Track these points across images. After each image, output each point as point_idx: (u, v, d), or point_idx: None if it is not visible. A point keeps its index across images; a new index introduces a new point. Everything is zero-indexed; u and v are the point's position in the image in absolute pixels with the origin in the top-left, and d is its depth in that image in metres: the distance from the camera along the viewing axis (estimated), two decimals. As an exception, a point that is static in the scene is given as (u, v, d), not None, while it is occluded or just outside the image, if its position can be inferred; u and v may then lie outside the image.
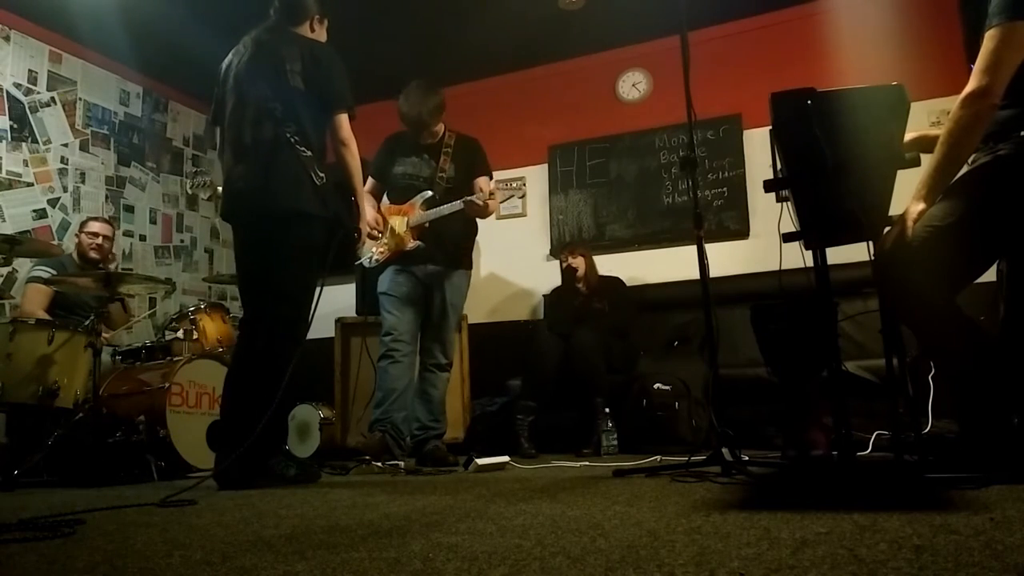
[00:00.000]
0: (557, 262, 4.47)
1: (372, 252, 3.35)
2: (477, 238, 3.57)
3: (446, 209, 3.23)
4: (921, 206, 1.80)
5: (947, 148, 1.78)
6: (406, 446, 3.23)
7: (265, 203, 2.48)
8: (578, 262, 4.06)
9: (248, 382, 2.46)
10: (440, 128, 3.42)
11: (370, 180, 3.50)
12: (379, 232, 3.30)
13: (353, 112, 2.62)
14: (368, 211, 3.35)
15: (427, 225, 3.26)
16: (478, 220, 3.44)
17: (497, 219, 5.01)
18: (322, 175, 2.53)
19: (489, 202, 3.23)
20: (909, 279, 1.81)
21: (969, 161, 1.91)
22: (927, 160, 1.89)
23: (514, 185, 3.28)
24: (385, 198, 3.48)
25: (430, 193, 3.29)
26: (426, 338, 3.32)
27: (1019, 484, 1.56)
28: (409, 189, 3.33)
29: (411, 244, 3.25)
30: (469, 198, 3.19)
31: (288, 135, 2.49)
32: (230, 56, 2.70)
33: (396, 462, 3.04)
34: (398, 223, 3.31)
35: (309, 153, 2.52)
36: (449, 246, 3.31)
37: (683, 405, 3.58)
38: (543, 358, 3.75)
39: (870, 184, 1.81)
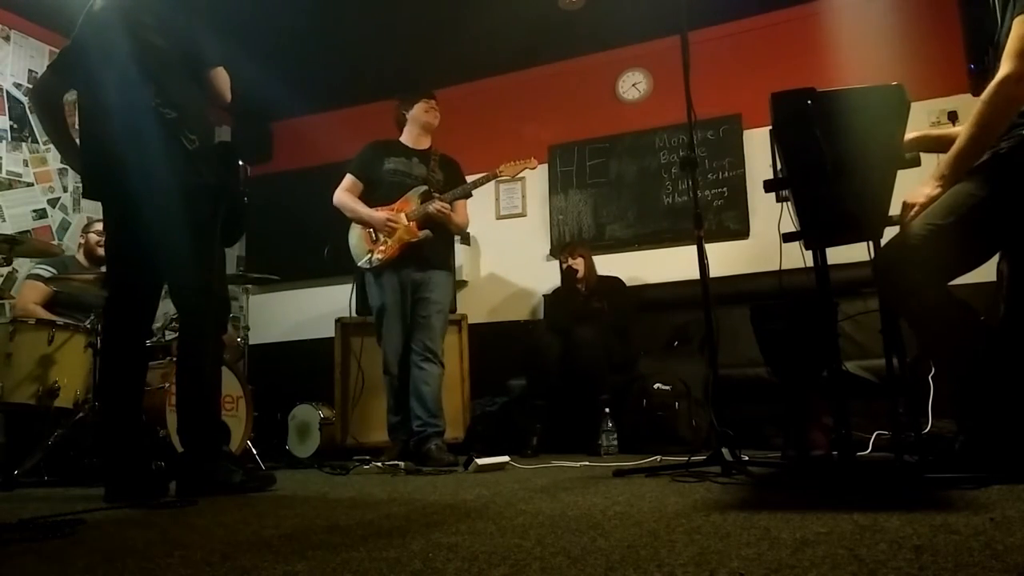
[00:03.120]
0: (557, 262, 4.47)
1: (371, 253, 3.34)
2: (477, 238, 3.59)
3: (454, 196, 3.35)
4: (936, 191, 1.80)
5: (977, 130, 1.76)
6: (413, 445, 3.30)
7: (131, 177, 2.20)
8: (578, 263, 4.07)
9: (180, 381, 2.29)
10: (429, 140, 3.52)
11: (349, 177, 3.49)
12: (394, 224, 3.32)
13: (221, 64, 2.36)
14: (364, 209, 3.37)
15: (428, 218, 3.30)
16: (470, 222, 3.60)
17: (497, 219, 5.02)
18: (193, 137, 2.25)
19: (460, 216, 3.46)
20: (908, 278, 1.81)
21: None
22: (929, 156, 1.89)
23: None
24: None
25: (425, 187, 3.32)
26: (412, 337, 3.34)
27: (1019, 484, 1.56)
28: (399, 186, 3.37)
29: (421, 234, 3.27)
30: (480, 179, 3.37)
31: (149, 98, 2.22)
32: (83, 15, 2.39)
33: (396, 462, 3.04)
34: (398, 219, 3.32)
35: (175, 115, 2.24)
36: (431, 251, 3.36)
37: (683, 405, 3.58)
38: (544, 356, 3.75)
39: (870, 184, 1.81)
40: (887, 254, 1.86)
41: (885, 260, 1.86)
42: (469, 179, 3.50)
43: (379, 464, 3.01)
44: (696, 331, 3.93)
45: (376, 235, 3.34)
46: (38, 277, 3.61)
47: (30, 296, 3.58)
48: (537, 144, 4.93)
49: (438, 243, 3.38)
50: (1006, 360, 1.83)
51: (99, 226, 3.85)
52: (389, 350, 3.31)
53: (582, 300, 4.02)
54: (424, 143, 3.49)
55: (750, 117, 4.50)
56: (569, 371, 3.69)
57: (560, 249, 4.51)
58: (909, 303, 1.85)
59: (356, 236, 3.41)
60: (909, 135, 2.01)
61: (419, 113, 3.46)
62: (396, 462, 3.04)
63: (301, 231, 5.24)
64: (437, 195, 3.32)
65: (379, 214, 3.35)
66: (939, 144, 2.08)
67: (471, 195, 3.47)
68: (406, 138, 3.51)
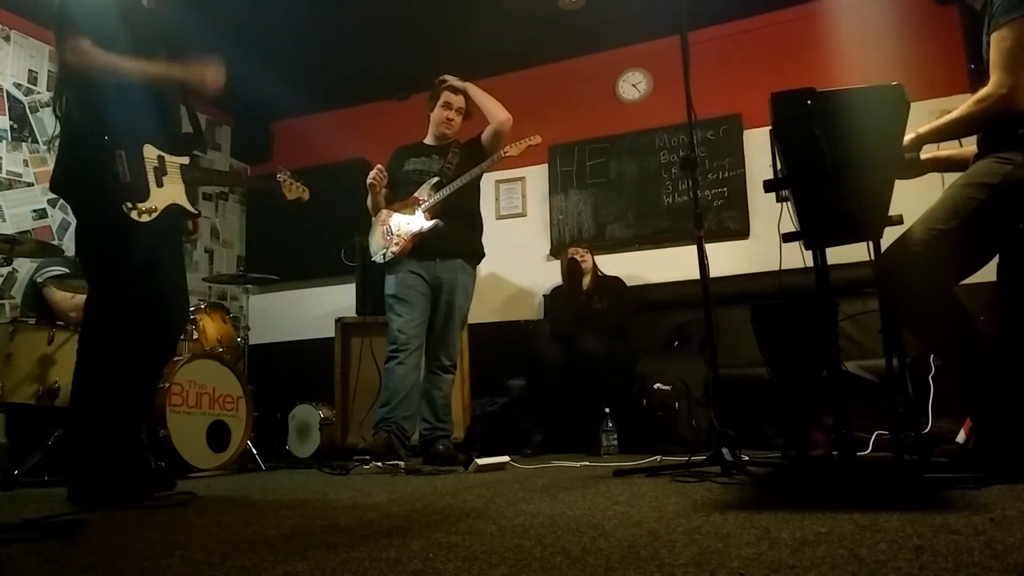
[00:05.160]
0: (557, 262, 4.46)
1: (386, 247, 3.34)
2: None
3: (463, 179, 3.28)
4: (910, 137, 1.95)
5: (959, 122, 1.88)
6: (410, 446, 3.25)
7: None
8: (588, 258, 4.08)
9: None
10: (452, 134, 3.48)
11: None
12: (382, 174, 3.34)
13: (77, 30, 2.08)
14: (378, 197, 3.40)
15: (439, 207, 3.27)
16: (483, 221, 3.53)
17: (497, 219, 5.02)
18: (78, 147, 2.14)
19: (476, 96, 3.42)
20: (911, 282, 1.81)
21: (970, 160, 1.93)
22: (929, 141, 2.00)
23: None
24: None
25: (436, 178, 3.32)
26: (431, 341, 3.33)
27: (1020, 484, 1.56)
28: (418, 183, 3.37)
29: (429, 223, 3.26)
30: (485, 163, 3.31)
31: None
32: None
33: (396, 462, 3.04)
34: (409, 213, 3.33)
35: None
36: (456, 240, 3.33)
37: (683, 405, 3.58)
38: (545, 364, 3.75)
39: (870, 184, 1.81)
40: (889, 259, 1.86)
41: (887, 265, 1.86)
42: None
43: (379, 464, 3.01)
44: (696, 331, 3.93)
45: (391, 231, 3.34)
46: (65, 276, 3.54)
47: (68, 296, 3.49)
48: (537, 144, 4.93)
49: (461, 230, 3.36)
50: (1007, 362, 1.83)
51: None
52: (400, 338, 3.23)
53: (584, 300, 4.02)
54: (446, 139, 3.47)
55: (750, 117, 4.50)
56: (571, 380, 3.69)
57: (561, 247, 4.51)
58: (911, 307, 1.86)
59: (375, 233, 3.42)
60: (924, 155, 2.05)
61: (435, 116, 3.46)
62: (396, 461, 3.04)
63: (301, 231, 5.24)
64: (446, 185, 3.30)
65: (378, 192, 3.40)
66: (950, 164, 2.11)
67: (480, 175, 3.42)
68: (428, 137, 3.51)
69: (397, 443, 3.15)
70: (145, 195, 2.14)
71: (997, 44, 1.78)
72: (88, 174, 2.09)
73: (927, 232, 1.80)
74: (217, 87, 2.30)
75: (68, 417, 2.20)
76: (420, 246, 3.28)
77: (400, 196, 3.40)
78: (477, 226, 3.49)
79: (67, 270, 3.57)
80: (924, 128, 1.95)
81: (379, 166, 3.38)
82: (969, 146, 2.03)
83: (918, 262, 1.79)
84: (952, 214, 1.80)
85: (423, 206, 3.29)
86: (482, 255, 3.49)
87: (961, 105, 1.88)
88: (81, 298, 3.35)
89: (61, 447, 2.84)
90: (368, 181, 3.35)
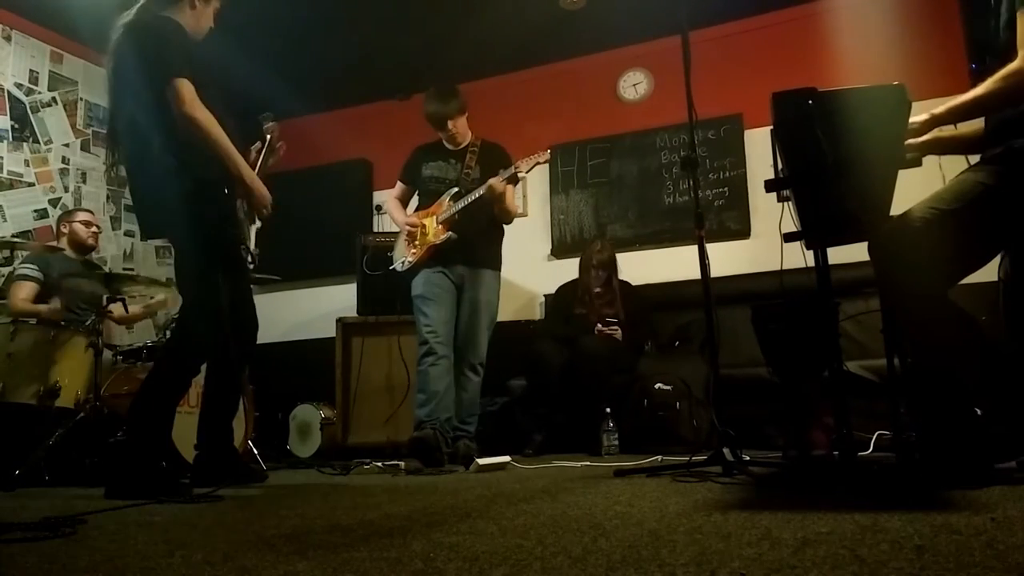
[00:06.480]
0: (558, 262, 4.46)
1: (404, 256, 3.37)
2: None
3: (473, 196, 3.26)
4: (923, 118, 1.85)
5: (981, 100, 1.78)
6: (451, 446, 3.23)
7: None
8: (605, 250, 4.07)
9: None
10: (468, 134, 3.47)
11: (399, 185, 3.57)
12: (412, 229, 3.36)
13: (184, 73, 2.21)
14: (399, 216, 3.47)
15: (456, 217, 3.28)
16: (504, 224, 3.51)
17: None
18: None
19: (508, 200, 3.32)
20: (908, 261, 1.77)
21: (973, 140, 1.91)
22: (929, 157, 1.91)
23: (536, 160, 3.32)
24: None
25: (456, 189, 3.33)
26: (458, 342, 3.33)
27: (1019, 484, 1.56)
28: (437, 192, 3.39)
29: (442, 236, 3.27)
30: (491, 180, 3.22)
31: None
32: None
33: (396, 462, 3.04)
34: (427, 223, 3.35)
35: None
36: (478, 246, 3.35)
37: (684, 405, 3.57)
38: (546, 365, 3.75)
39: (871, 184, 1.81)
40: (886, 234, 1.80)
41: (883, 239, 1.81)
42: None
43: (379, 464, 3.01)
44: (697, 331, 3.93)
45: (413, 240, 3.37)
46: (26, 277, 3.53)
47: (19, 294, 3.50)
48: (538, 144, 4.92)
49: (484, 241, 3.37)
50: (1008, 361, 1.82)
51: (84, 216, 3.80)
52: (431, 337, 3.21)
53: (592, 299, 3.99)
54: (463, 140, 3.45)
55: (751, 117, 4.49)
56: (572, 380, 3.68)
57: (563, 247, 4.48)
58: (906, 289, 1.80)
59: (399, 240, 3.47)
60: (922, 138, 2.01)
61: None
62: (397, 462, 3.04)
63: (302, 231, 5.24)
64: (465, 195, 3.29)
65: (402, 218, 3.44)
66: (951, 145, 2.07)
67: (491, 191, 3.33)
68: (445, 137, 3.48)
69: (441, 440, 3.10)
70: (247, 237, 2.44)
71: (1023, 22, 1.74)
72: (201, 213, 2.26)
73: (928, 211, 1.76)
74: (260, 211, 2.57)
75: (128, 421, 2.28)
76: (438, 253, 3.30)
77: (421, 204, 3.45)
78: (497, 227, 3.46)
79: (36, 267, 3.53)
80: (940, 108, 1.84)
81: (408, 223, 3.40)
82: (969, 125, 1.97)
83: (917, 240, 1.74)
84: (957, 196, 1.77)
85: (440, 217, 3.31)
86: (499, 264, 3.48)
87: (980, 84, 1.79)
88: (41, 306, 3.44)
89: (61, 447, 2.85)
90: (404, 232, 3.42)
